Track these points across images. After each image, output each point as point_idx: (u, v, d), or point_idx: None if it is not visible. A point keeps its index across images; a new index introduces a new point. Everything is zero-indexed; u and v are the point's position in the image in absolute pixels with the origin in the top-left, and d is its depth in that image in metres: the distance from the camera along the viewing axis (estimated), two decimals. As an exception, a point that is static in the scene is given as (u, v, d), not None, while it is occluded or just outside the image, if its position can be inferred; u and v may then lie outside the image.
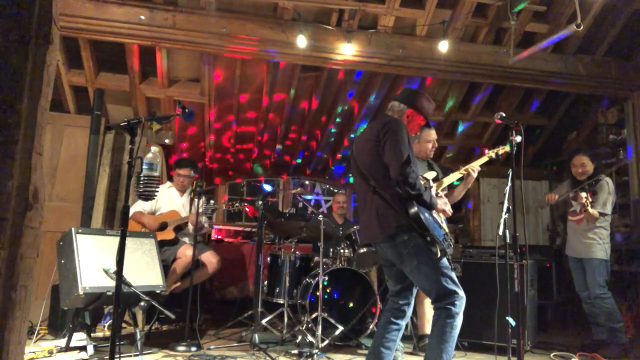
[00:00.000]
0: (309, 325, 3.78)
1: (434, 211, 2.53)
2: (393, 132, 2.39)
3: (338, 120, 6.02)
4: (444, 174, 3.26)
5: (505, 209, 2.66)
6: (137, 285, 3.13)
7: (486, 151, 3.26)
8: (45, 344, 3.58)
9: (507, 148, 3.18)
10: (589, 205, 3.74)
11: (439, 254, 2.31)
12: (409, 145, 2.40)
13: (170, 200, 4.42)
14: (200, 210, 3.94)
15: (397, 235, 2.35)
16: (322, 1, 4.34)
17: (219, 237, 6.35)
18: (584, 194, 3.74)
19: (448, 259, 2.40)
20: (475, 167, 3.14)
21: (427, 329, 3.60)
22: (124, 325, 4.23)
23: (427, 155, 3.36)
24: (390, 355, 2.47)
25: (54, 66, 1.74)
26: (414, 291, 2.58)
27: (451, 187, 3.31)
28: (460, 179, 3.26)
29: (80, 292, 3.01)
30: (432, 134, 3.33)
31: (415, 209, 2.30)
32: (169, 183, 4.60)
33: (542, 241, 6.21)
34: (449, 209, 2.68)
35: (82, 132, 4.80)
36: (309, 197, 7.52)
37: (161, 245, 3.88)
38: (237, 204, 4.35)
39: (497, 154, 3.21)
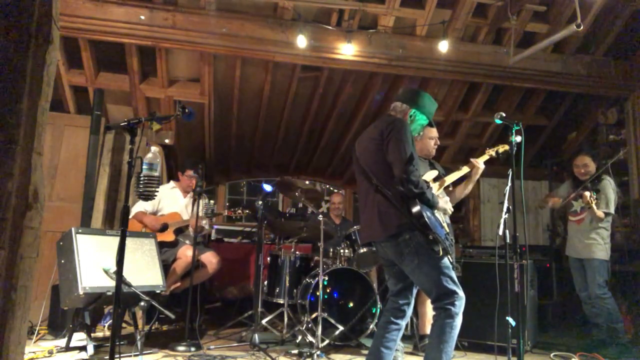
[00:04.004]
0: (309, 325, 3.78)
1: (435, 210, 2.53)
2: (397, 131, 2.40)
3: (338, 120, 6.01)
4: (445, 174, 3.24)
5: (505, 209, 2.67)
6: (137, 285, 3.13)
7: (486, 150, 3.25)
8: (45, 344, 3.58)
9: (506, 147, 3.18)
10: (594, 204, 3.75)
11: (441, 253, 2.32)
12: (413, 144, 2.41)
13: (173, 201, 4.40)
14: (201, 214, 3.93)
15: (399, 234, 2.35)
16: (322, 1, 4.34)
17: (219, 237, 6.35)
18: (588, 193, 3.75)
19: (449, 259, 2.40)
20: (479, 161, 3.12)
21: (428, 329, 3.59)
22: (124, 325, 4.23)
23: (429, 152, 3.35)
24: (390, 355, 2.47)
25: (54, 66, 1.74)
26: (414, 291, 2.58)
27: (455, 184, 3.29)
28: (463, 177, 3.22)
29: (80, 292, 3.01)
30: (434, 132, 3.33)
31: (418, 207, 2.30)
32: (172, 183, 4.57)
33: (542, 241, 6.20)
34: (449, 208, 2.68)
35: (82, 132, 4.80)
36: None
37: (161, 246, 3.87)
38: (240, 211, 4.34)
39: (497, 152, 3.20)
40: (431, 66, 4.83)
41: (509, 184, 2.66)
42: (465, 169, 3.13)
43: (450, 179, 3.06)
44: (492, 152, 3.21)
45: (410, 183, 2.29)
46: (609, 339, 3.84)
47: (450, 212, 2.74)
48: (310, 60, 4.69)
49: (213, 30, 4.32)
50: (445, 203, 2.61)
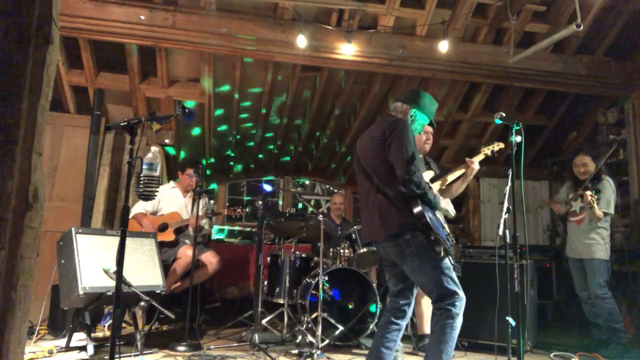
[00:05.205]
0: (309, 325, 3.78)
1: (437, 211, 2.53)
2: (399, 131, 2.40)
3: (338, 120, 6.01)
4: (443, 173, 3.25)
5: (505, 209, 2.67)
6: (137, 285, 3.13)
7: (482, 149, 3.24)
8: (45, 344, 3.58)
9: (501, 145, 3.19)
10: (595, 203, 3.75)
11: (442, 253, 2.32)
12: (414, 145, 2.41)
13: (173, 201, 4.40)
14: (201, 213, 3.93)
15: (400, 235, 2.35)
16: (322, 1, 4.34)
17: (219, 237, 6.35)
18: (588, 193, 3.75)
19: (450, 260, 2.40)
20: (474, 161, 3.12)
21: (426, 328, 3.60)
22: (124, 325, 4.23)
23: (421, 148, 3.34)
24: (391, 356, 2.46)
25: (54, 66, 1.74)
26: (415, 291, 2.58)
27: (450, 183, 3.29)
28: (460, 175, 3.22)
29: (80, 292, 3.01)
30: (428, 127, 3.32)
31: (420, 208, 2.30)
32: (172, 183, 4.58)
33: (542, 241, 6.21)
34: (452, 209, 2.68)
35: (82, 132, 4.80)
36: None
37: (161, 246, 3.88)
38: (239, 210, 4.34)
39: (492, 151, 3.20)
40: (431, 66, 4.83)
41: (509, 184, 2.66)
42: (461, 170, 3.13)
43: (450, 177, 3.06)
44: (487, 151, 3.20)
45: (412, 184, 2.29)
46: (609, 339, 3.84)
47: (453, 215, 2.73)
48: (310, 60, 4.69)
49: (213, 30, 4.32)
50: (447, 204, 2.61)
